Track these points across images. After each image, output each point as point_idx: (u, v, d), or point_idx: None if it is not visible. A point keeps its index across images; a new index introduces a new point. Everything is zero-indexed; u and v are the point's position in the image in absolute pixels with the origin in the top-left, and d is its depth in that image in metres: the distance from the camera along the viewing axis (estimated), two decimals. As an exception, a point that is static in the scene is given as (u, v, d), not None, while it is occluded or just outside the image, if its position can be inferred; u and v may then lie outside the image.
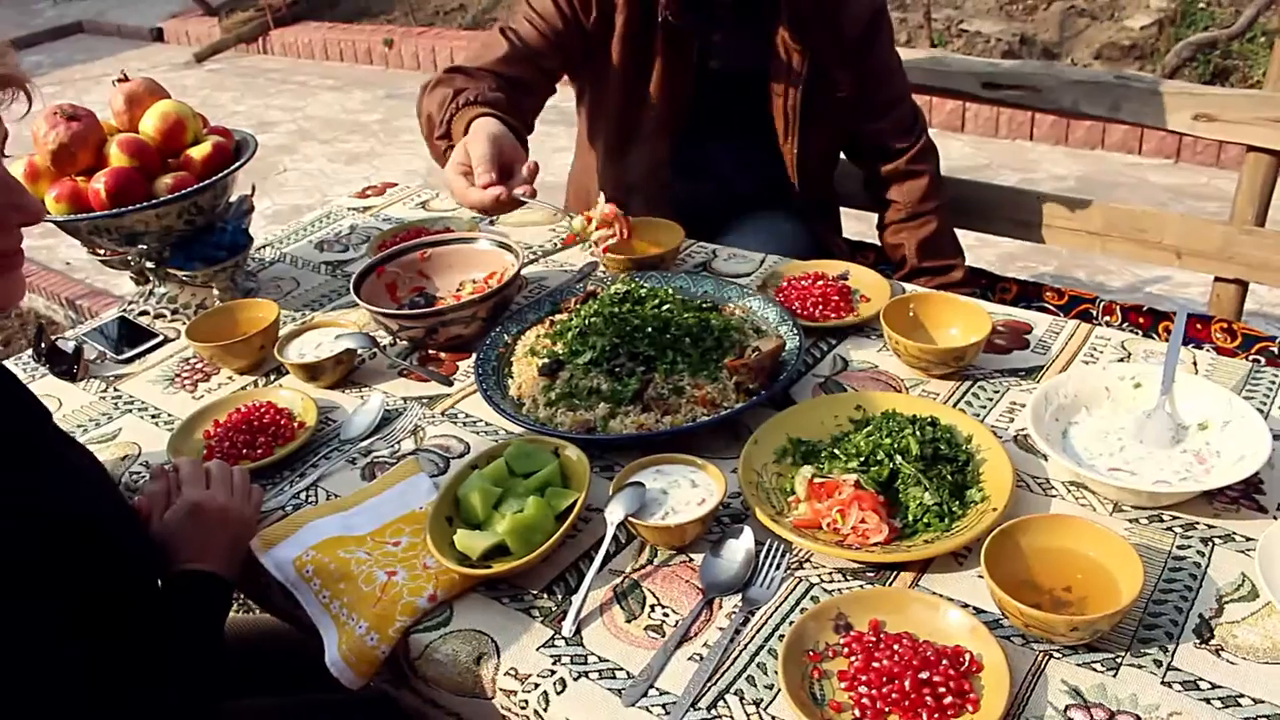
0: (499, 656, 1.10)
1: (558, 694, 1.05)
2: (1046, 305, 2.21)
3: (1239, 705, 0.96)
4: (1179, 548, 1.15)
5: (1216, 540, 1.15)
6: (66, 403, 1.66)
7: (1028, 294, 2.27)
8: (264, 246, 2.14)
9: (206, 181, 1.74)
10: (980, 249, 3.34)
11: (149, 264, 1.81)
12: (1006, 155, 4.78)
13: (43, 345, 1.75)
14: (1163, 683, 0.99)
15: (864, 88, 2.03)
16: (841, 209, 2.36)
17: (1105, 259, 3.64)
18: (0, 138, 1.03)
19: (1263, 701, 0.97)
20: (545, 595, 1.17)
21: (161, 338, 1.82)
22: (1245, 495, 1.21)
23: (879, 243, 2.31)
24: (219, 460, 1.38)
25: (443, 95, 1.78)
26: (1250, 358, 1.89)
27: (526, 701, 1.05)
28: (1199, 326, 2.08)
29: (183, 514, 1.23)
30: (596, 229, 1.72)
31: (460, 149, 1.65)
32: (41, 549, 0.99)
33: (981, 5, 5.85)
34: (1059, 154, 4.77)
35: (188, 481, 1.30)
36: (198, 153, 1.79)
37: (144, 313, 1.88)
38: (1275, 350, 1.96)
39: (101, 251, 1.84)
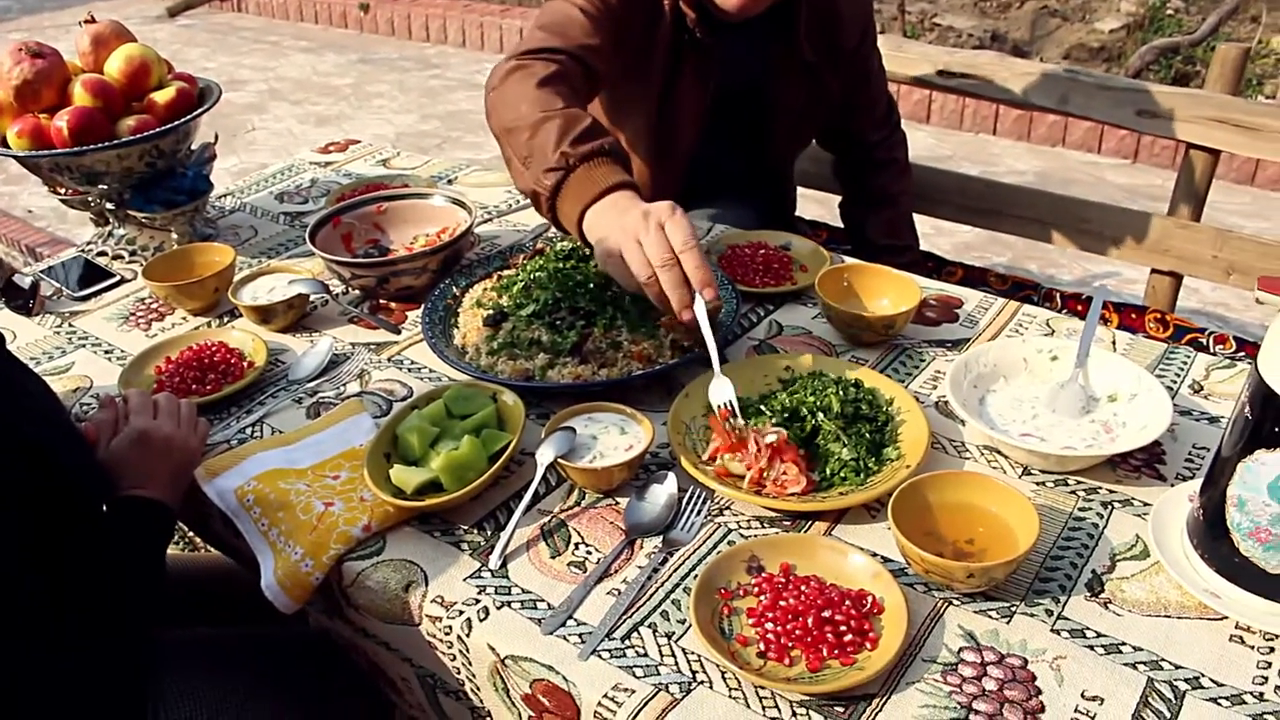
0: (427, 585, 1.14)
1: (480, 621, 1.09)
2: (990, 289, 2.27)
3: (1120, 652, 1.03)
4: (1080, 509, 1.21)
5: (1116, 504, 1.22)
6: (21, 336, 1.68)
7: (973, 278, 2.33)
8: (225, 195, 2.16)
9: (169, 125, 1.77)
10: (935, 237, 3.41)
11: (109, 205, 1.84)
12: (969, 148, 4.86)
13: (-1, 279, 1.77)
14: (1052, 630, 1.05)
15: (853, 90, 2.10)
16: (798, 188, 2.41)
17: (1058, 253, 3.72)
18: None
19: (1141, 649, 1.03)
20: (475, 530, 1.22)
21: (119, 278, 1.84)
22: (1147, 464, 1.27)
23: (837, 221, 2.37)
24: (167, 392, 1.41)
25: (568, 116, 1.48)
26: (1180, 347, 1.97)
27: (450, 627, 1.10)
28: (1134, 316, 2.15)
29: (128, 441, 1.26)
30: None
31: (685, 225, 1.35)
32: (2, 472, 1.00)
33: (955, 0, 5.92)
34: (1021, 149, 4.85)
35: (135, 411, 1.32)
36: (161, 97, 1.81)
37: (102, 253, 1.91)
38: (1204, 341, 2.04)
39: (62, 190, 1.87)
